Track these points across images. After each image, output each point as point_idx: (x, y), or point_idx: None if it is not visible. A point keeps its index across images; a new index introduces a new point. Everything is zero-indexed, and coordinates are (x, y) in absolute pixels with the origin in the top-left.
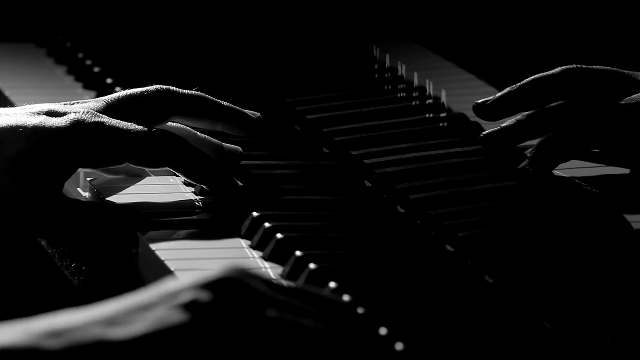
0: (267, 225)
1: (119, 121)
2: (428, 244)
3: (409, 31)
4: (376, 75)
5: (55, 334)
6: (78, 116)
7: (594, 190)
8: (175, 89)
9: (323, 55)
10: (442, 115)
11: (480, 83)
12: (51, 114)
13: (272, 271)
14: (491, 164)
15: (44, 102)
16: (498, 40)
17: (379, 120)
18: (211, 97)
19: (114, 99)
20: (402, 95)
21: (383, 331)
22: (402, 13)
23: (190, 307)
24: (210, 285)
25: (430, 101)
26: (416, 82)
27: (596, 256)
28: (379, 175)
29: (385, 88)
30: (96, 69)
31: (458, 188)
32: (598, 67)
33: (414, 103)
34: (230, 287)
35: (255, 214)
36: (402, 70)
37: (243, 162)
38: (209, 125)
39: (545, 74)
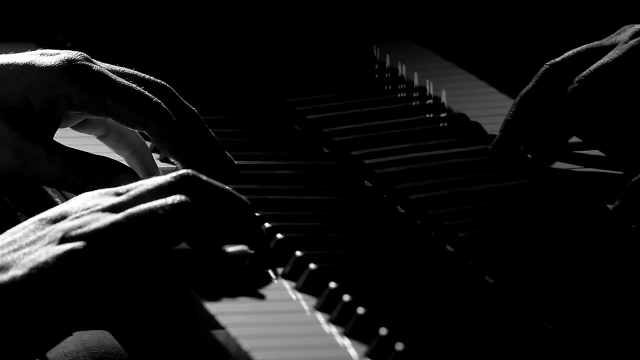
0: (266, 225)
1: (107, 65)
2: (428, 244)
3: (409, 31)
4: (376, 75)
5: None
6: (70, 55)
7: (594, 191)
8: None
9: (323, 55)
10: (442, 115)
11: (480, 83)
12: (44, 54)
13: (272, 271)
14: (491, 164)
15: None
16: (498, 40)
17: (379, 120)
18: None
19: None
20: (402, 95)
21: (383, 331)
22: (402, 13)
23: None
24: None
25: (430, 101)
26: (416, 82)
27: (596, 256)
28: (379, 175)
29: (385, 88)
30: None
31: (458, 188)
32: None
33: (414, 103)
34: None
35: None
36: (402, 70)
37: (243, 162)
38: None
39: (527, 88)
